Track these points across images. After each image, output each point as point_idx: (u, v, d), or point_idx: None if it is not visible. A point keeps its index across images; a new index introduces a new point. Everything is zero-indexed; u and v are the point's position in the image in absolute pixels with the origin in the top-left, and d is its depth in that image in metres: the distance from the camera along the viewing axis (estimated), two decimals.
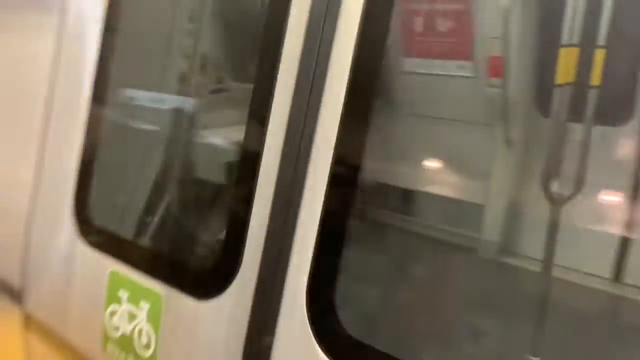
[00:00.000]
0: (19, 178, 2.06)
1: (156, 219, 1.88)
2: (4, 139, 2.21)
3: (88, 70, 1.82)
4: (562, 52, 1.25)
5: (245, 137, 1.38)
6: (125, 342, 1.62)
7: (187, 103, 2.07)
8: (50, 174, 1.95)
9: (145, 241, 1.85)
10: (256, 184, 1.30)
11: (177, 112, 2.04)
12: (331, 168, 1.17)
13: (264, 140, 1.28)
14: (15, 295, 2.04)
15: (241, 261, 1.33)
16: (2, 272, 2.10)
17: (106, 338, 1.68)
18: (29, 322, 2.02)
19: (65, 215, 1.85)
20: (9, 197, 2.14)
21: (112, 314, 1.66)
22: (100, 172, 1.82)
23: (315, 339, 1.17)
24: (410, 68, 1.56)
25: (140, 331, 1.57)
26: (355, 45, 1.13)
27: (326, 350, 1.15)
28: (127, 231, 1.86)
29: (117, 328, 1.64)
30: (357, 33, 1.12)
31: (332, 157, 1.16)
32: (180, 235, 1.88)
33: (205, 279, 1.46)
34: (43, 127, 1.98)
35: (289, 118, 1.24)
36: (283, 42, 1.22)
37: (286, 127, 1.24)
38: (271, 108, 1.26)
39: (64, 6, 1.94)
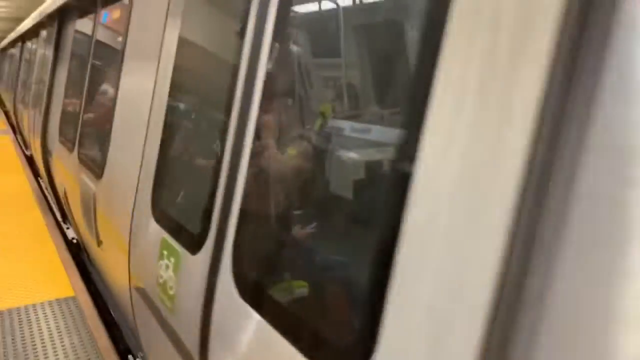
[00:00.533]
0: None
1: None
2: (129, 147, 3.16)
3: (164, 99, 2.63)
4: None
5: None
6: (164, 286, 2.33)
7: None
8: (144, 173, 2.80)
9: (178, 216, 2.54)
10: None
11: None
12: None
13: None
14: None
15: (209, 228, 1.94)
16: None
17: (157, 284, 2.42)
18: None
19: (148, 200, 2.67)
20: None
21: (159, 267, 2.39)
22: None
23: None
24: None
25: (171, 278, 2.27)
26: None
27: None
28: (172, 212, 2.58)
29: (161, 276, 2.37)
30: None
31: None
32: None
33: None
34: (144, 138, 2.86)
35: None
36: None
37: None
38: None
39: (160, 55, 2.79)
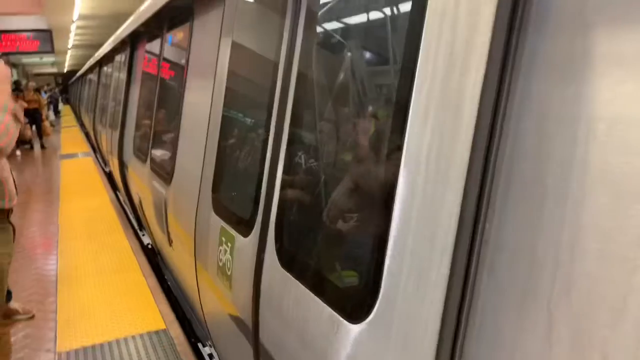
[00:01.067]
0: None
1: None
2: (193, 154, 3.60)
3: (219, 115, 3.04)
4: None
5: None
6: (223, 268, 2.72)
7: None
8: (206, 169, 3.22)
9: (233, 207, 2.93)
10: None
11: None
12: None
13: None
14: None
15: (256, 215, 2.30)
16: None
17: (217, 267, 2.82)
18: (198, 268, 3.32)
19: (209, 197, 3.09)
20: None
21: (219, 252, 2.79)
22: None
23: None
24: None
25: (228, 260, 2.66)
26: None
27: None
28: (228, 204, 2.97)
29: (221, 259, 2.76)
30: None
31: None
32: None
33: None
34: (204, 145, 3.29)
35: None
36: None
37: None
38: None
39: (215, 73, 3.21)
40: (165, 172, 4.50)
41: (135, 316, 4.32)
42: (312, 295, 1.82)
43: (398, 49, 1.63)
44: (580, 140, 0.97)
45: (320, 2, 2.11)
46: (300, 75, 2.10)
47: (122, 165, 7.40)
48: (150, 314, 4.37)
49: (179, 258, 4.14)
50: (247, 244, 2.42)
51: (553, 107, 1.03)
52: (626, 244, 0.87)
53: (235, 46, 2.97)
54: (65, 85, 48.06)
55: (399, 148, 1.41)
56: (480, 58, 1.15)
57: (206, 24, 3.67)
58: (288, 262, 2.07)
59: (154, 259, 6.12)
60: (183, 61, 4.25)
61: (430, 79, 1.30)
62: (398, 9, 1.70)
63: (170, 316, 4.36)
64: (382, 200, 1.49)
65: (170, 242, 4.40)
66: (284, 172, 2.14)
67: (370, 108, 1.94)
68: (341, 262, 1.90)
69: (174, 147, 4.23)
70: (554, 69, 1.04)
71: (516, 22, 1.12)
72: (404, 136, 1.38)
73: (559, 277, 0.98)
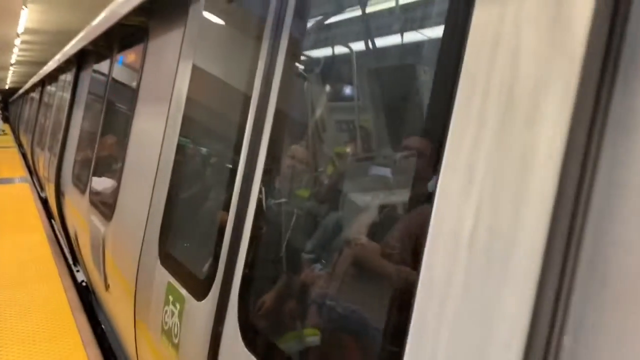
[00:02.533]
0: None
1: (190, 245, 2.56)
2: (139, 190, 3.14)
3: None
4: None
5: None
6: (169, 333, 2.26)
7: None
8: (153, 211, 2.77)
9: (184, 260, 2.50)
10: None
11: None
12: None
13: None
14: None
15: (216, 273, 1.89)
16: None
17: (162, 330, 2.35)
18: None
19: (155, 243, 2.63)
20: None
21: (164, 312, 2.33)
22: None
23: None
24: None
25: (175, 325, 2.20)
26: None
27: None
28: (178, 256, 2.53)
29: (166, 322, 2.30)
30: None
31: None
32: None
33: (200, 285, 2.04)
34: (153, 181, 2.84)
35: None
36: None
37: None
38: None
39: (171, 100, 2.81)
40: (105, 207, 3.99)
41: None
42: None
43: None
44: None
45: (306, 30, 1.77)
46: (279, 112, 1.73)
47: (59, 193, 6.76)
48: None
49: (117, 306, 3.61)
50: (200, 309, 1.98)
51: None
52: None
53: (197, 71, 2.58)
54: (6, 103, 46.22)
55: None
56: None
57: (163, 45, 3.27)
58: (254, 340, 1.65)
59: (87, 297, 5.49)
60: (134, 84, 3.80)
61: (474, 124, 0.96)
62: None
63: None
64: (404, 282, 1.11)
65: (107, 286, 3.86)
66: (255, 222, 1.73)
67: (379, 159, 1.59)
68: (339, 349, 1.50)
69: (117, 179, 3.74)
70: None
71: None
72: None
73: None
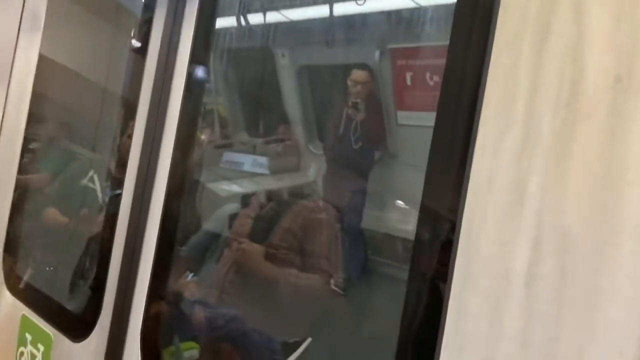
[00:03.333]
0: None
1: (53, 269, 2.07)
2: None
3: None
4: None
5: None
6: None
7: None
8: None
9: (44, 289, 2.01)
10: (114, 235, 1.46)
11: None
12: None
13: None
14: None
15: (101, 309, 1.47)
16: None
17: None
18: None
19: None
20: None
21: (18, 354, 1.82)
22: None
23: None
24: None
25: None
26: None
27: None
28: (36, 280, 2.02)
29: None
30: None
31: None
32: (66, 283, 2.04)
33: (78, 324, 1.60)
34: None
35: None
36: None
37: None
38: None
39: (9, 80, 2.21)
40: None
41: None
42: None
43: None
44: None
45: None
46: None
47: None
48: None
49: None
50: (81, 353, 1.54)
51: None
52: None
53: (48, 40, 2.05)
54: None
55: None
56: None
57: None
58: None
59: None
60: None
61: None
62: None
63: None
64: None
65: None
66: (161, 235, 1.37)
67: None
68: None
69: None
70: None
71: None
72: None
73: None
